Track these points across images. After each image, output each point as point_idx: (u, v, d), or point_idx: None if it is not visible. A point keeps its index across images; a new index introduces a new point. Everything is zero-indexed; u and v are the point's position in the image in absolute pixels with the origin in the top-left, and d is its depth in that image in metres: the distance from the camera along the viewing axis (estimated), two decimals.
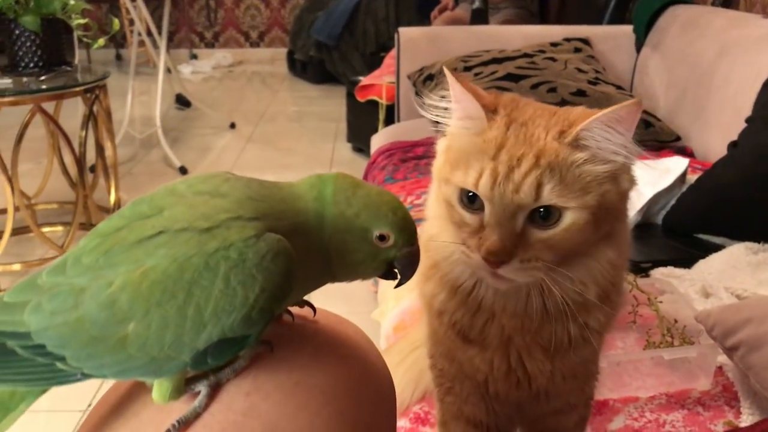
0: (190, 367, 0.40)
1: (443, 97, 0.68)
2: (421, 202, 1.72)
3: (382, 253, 0.46)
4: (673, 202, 1.61)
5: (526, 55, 2.36)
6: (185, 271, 0.38)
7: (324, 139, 4.21)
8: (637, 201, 1.60)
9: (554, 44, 2.49)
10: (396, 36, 2.63)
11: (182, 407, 0.41)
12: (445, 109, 0.69)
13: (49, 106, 2.49)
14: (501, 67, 2.29)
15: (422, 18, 4.49)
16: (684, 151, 2.09)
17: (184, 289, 0.38)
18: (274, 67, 6.31)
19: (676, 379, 1.09)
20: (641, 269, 1.36)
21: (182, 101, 4.71)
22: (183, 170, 3.56)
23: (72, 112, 2.94)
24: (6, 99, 2.25)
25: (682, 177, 1.64)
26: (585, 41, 2.53)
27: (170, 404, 0.42)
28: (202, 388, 0.41)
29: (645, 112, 2.14)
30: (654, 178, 1.67)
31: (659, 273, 1.37)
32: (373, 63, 4.21)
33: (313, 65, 5.54)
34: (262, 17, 6.61)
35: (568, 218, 0.63)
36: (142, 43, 4.11)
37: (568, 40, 2.53)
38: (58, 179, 2.89)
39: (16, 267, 2.45)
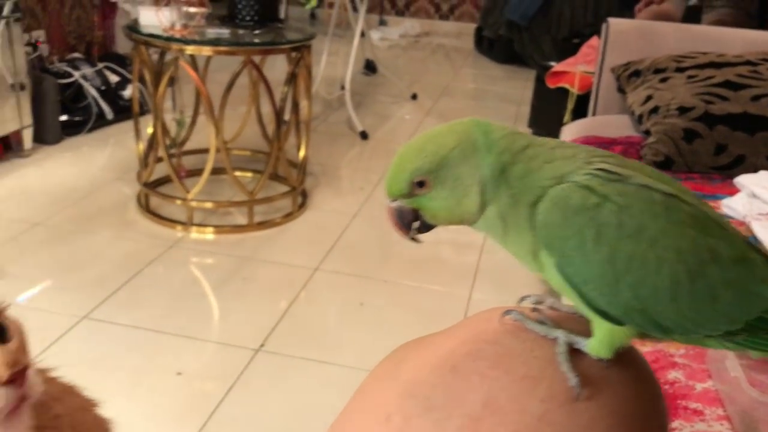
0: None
1: None
2: None
3: None
4: None
5: (749, 63, 2.18)
6: None
7: (503, 121, 4.07)
8: None
9: None
10: (604, 26, 2.52)
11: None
12: None
13: (255, 59, 2.62)
14: (719, 72, 2.13)
15: (623, 8, 4.29)
16: None
17: None
18: (460, 42, 6.28)
19: None
20: None
21: (370, 67, 4.81)
22: (364, 135, 3.64)
23: (271, 64, 3.08)
24: (222, 48, 2.40)
25: None
26: None
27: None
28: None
29: None
30: None
31: None
32: (564, 49, 4.08)
33: (501, 44, 5.46)
34: None
35: None
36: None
37: None
38: (250, 128, 3.05)
39: (209, 205, 2.62)
